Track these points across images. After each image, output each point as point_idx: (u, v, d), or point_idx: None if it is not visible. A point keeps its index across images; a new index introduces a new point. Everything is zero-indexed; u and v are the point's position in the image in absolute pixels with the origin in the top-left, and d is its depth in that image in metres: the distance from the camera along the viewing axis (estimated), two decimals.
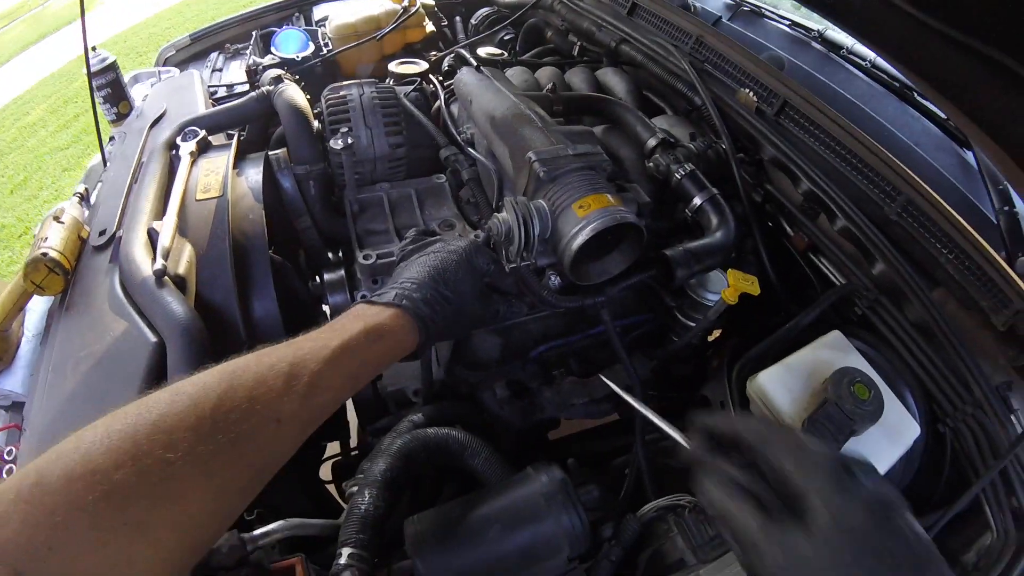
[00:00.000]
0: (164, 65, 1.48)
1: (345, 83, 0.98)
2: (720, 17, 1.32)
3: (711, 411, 0.45)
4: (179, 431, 0.37)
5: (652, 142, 0.83)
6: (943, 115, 1.06)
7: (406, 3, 1.47)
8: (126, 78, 1.32)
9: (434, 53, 1.18)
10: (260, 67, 1.29)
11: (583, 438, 0.94)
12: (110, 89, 1.25)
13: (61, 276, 0.83)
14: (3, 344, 0.93)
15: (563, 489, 0.52)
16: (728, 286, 0.65)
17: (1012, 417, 0.64)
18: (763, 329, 0.75)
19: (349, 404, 0.86)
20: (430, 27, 1.54)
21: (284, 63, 1.31)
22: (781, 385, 0.62)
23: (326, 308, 0.88)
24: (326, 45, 1.44)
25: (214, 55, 1.48)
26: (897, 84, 1.12)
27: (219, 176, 0.86)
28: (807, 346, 0.66)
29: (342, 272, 0.84)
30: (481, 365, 0.78)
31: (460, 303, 0.57)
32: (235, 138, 0.97)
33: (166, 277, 0.72)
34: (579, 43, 1.26)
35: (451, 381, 0.79)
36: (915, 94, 1.10)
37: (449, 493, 0.71)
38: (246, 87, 1.30)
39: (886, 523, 0.36)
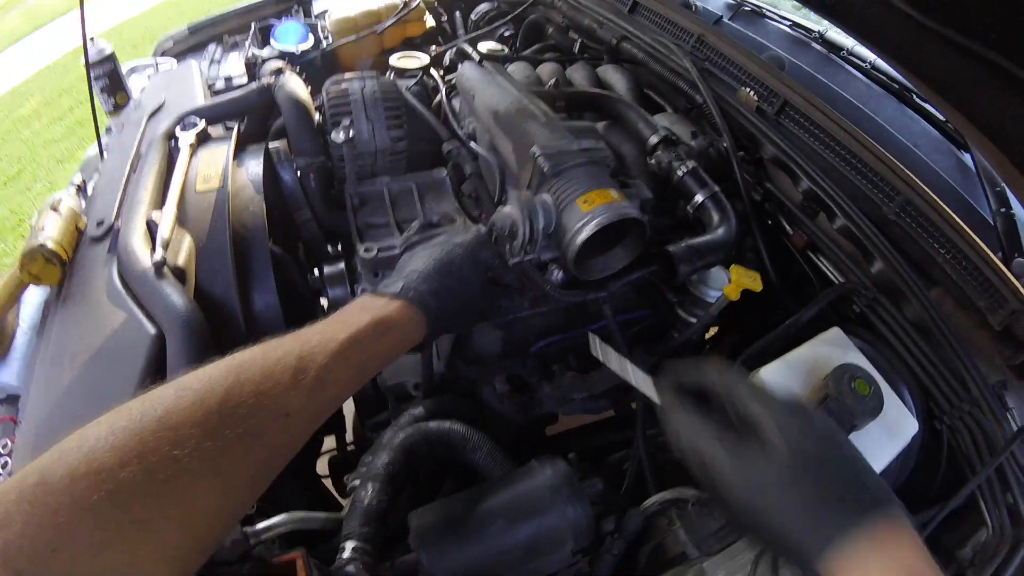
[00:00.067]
0: (162, 56, 1.46)
1: (346, 76, 0.97)
2: (721, 17, 1.32)
3: (681, 363, 0.49)
4: (186, 427, 0.36)
5: (654, 139, 0.83)
6: (942, 117, 1.07)
7: None
8: (123, 70, 1.31)
9: (434, 47, 1.18)
10: (259, 59, 1.28)
11: (579, 434, 0.94)
12: (108, 80, 1.24)
13: (58, 267, 0.82)
14: None
15: (568, 482, 0.52)
16: (729, 282, 0.66)
17: (1008, 415, 0.65)
18: (763, 326, 0.75)
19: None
20: (430, 22, 1.53)
21: (283, 55, 1.30)
22: (782, 381, 0.63)
23: (324, 302, 0.87)
24: (326, 38, 1.43)
25: (212, 47, 1.47)
26: (896, 86, 1.13)
27: (219, 167, 0.85)
28: (807, 343, 0.67)
29: (342, 265, 0.84)
30: (482, 359, 0.78)
31: (466, 296, 0.57)
32: (235, 129, 0.96)
33: (166, 268, 0.71)
34: (580, 40, 1.26)
35: (451, 375, 0.79)
36: (914, 96, 1.11)
37: (449, 488, 0.71)
38: (244, 79, 1.29)
39: (836, 449, 0.42)
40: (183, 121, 0.94)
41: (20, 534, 0.31)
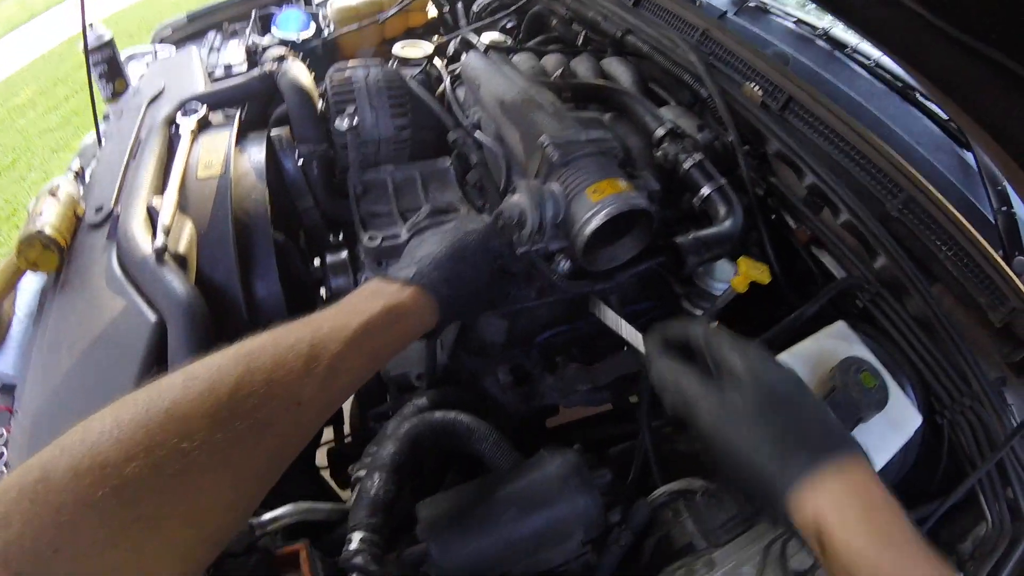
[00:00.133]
0: (160, 44, 1.44)
1: (350, 63, 0.96)
2: (725, 12, 1.32)
3: (668, 321, 0.54)
4: (194, 418, 0.34)
5: (661, 131, 0.82)
6: (944, 115, 1.08)
7: None
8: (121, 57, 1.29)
9: (436, 37, 1.17)
10: (260, 47, 1.26)
11: (580, 427, 0.94)
12: (106, 66, 1.22)
13: (56, 253, 0.81)
14: None
15: (578, 471, 0.52)
16: (735, 275, 0.66)
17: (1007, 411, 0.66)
18: (766, 321, 0.75)
19: None
20: (432, 12, 1.52)
21: (284, 44, 1.29)
22: None
23: (323, 291, 0.86)
24: (327, 27, 1.42)
25: (211, 35, 1.45)
26: (900, 83, 1.13)
27: (221, 154, 0.84)
28: (812, 336, 0.67)
29: (345, 254, 0.83)
30: (486, 350, 0.78)
31: (477, 284, 0.56)
32: (237, 115, 0.95)
33: (167, 255, 0.70)
34: (583, 32, 1.25)
35: (454, 366, 0.79)
36: (917, 94, 1.11)
37: (453, 480, 0.70)
38: (244, 67, 1.27)
39: (802, 392, 0.47)
40: (184, 107, 0.93)
41: (20, 534, 0.29)
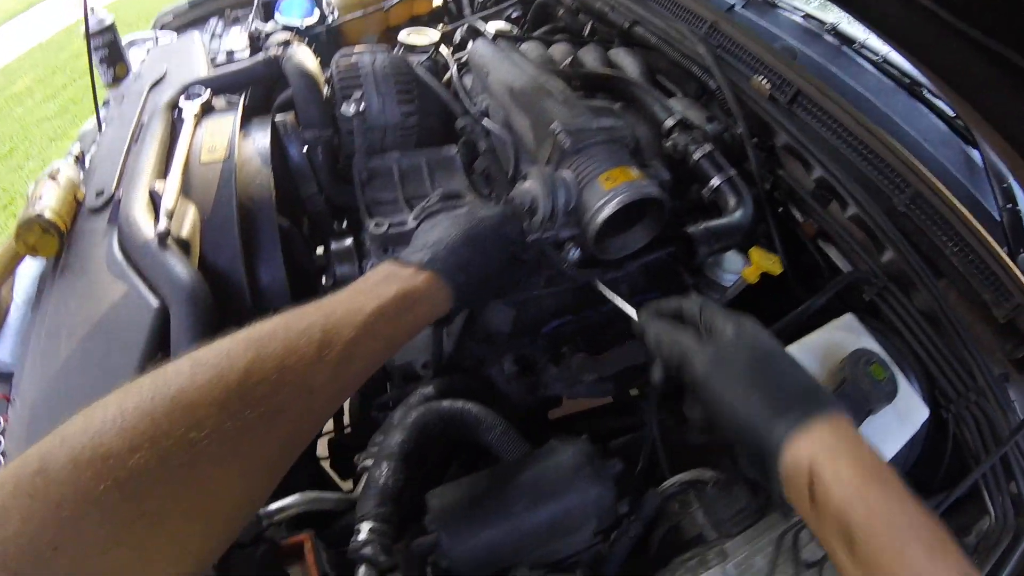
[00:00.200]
0: (161, 30, 1.42)
1: (357, 49, 0.95)
2: (733, 5, 1.31)
3: (662, 299, 0.57)
4: (203, 407, 0.32)
5: (670, 122, 0.82)
6: (951, 112, 1.08)
7: None
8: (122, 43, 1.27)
9: (441, 24, 1.16)
10: (263, 33, 1.25)
11: (584, 418, 0.94)
12: (107, 51, 1.20)
13: (56, 238, 0.80)
14: None
15: (591, 461, 0.51)
16: (745, 265, 0.65)
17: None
18: (773, 314, 0.75)
19: None
20: (437, 0, 1.51)
21: (287, 29, 1.27)
22: None
23: (324, 279, 0.86)
24: (331, 13, 1.40)
25: (213, 20, 1.43)
26: (907, 80, 1.13)
27: (225, 138, 0.83)
28: (821, 328, 0.67)
29: (350, 242, 0.82)
30: (492, 338, 0.77)
31: (489, 270, 0.55)
32: (241, 100, 0.94)
33: (170, 239, 0.69)
34: (590, 22, 1.24)
35: (460, 355, 0.78)
36: (924, 90, 1.11)
37: (456, 471, 0.70)
38: (247, 53, 1.26)
39: (787, 355, 0.49)
40: (187, 91, 0.91)
41: (18, 531, 0.27)
